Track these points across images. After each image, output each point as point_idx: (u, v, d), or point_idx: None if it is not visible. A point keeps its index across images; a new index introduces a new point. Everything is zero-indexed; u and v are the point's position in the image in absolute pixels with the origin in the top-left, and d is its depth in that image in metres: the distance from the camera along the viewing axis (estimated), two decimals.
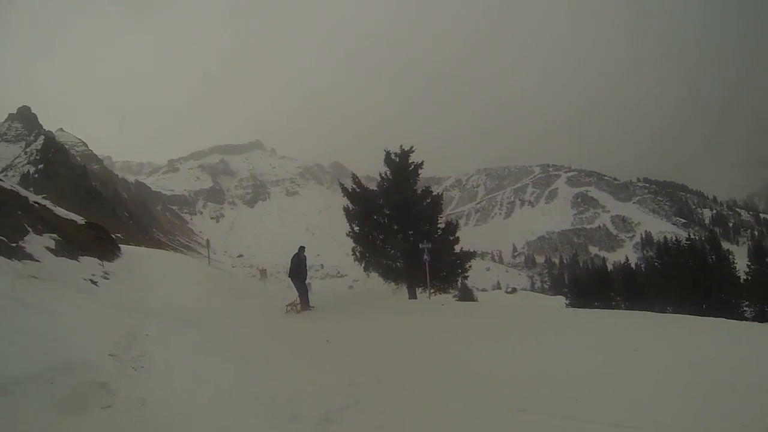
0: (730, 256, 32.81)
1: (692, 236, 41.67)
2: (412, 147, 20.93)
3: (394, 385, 6.02)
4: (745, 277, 32.85)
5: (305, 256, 14.47)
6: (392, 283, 21.08)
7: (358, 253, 20.44)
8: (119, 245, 19.26)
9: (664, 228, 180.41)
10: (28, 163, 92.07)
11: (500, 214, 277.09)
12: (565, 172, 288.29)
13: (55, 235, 13.67)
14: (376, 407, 5.20)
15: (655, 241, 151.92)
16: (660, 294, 31.50)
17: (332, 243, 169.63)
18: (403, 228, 20.06)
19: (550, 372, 6.08)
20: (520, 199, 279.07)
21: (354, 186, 20.80)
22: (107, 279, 12.96)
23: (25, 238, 11.90)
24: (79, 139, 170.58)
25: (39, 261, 10.93)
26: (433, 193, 21.23)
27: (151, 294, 13.05)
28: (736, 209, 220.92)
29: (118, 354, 6.20)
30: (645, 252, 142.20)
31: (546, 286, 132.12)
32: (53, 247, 12.64)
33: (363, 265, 20.53)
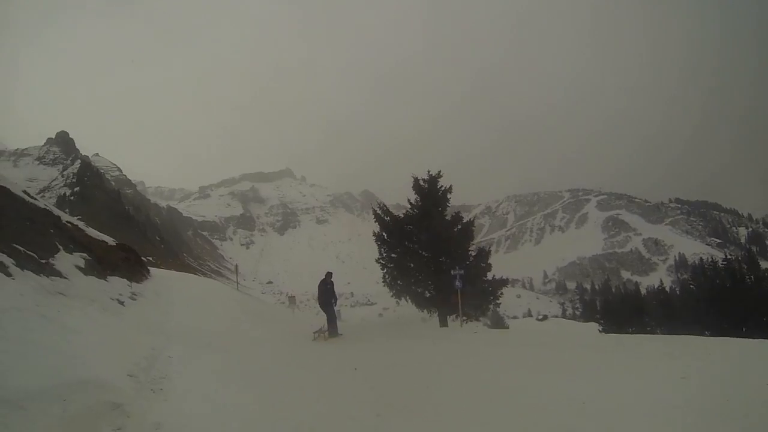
0: None
1: (728, 256, 40.07)
2: (440, 171, 20.79)
3: (425, 418, 5.60)
4: None
5: (332, 282, 14.26)
6: (423, 311, 20.68)
7: (388, 280, 20.12)
8: (149, 267, 19.26)
9: (698, 249, 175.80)
10: (64, 186, 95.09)
11: (530, 240, 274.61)
12: (595, 196, 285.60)
13: (85, 255, 13.61)
14: None
15: (689, 263, 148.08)
16: (696, 318, 30.21)
17: (362, 271, 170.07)
18: (434, 255, 19.75)
19: (592, 402, 5.59)
20: (550, 225, 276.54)
21: (382, 214, 20.58)
22: (134, 300, 12.81)
23: (55, 255, 11.85)
24: (114, 164, 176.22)
25: (67, 278, 10.84)
26: (464, 220, 20.91)
27: (178, 316, 12.84)
28: None
29: (137, 375, 5.97)
30: (679, 275, 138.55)
31: (577, 313, 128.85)
32: (82, 266, 12.56)
33: (393, 293, 20.18)
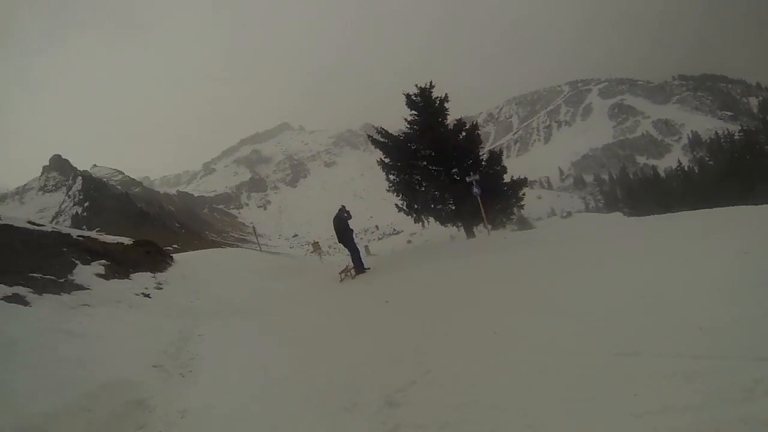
0: None
1: (744, 127, 38.65)
2: (431, 82, 19.95)
3: (467, 344, 5.05)
4: None
5: (347, 214, 13.61)
6: (449, 226, 20.49)
7: (404, 206, 19.88)
8: (171, 255, 19.48)
9: (711, 125, 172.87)
10: (74, 205, 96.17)
11: (539, 140, 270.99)
12: (595, 85, 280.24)
13: (104, 261, 13.74)
14: (448, 376, 4.28)
15: (704, 140, 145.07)
16: (719, 193, 29.16)
17: (382, 202, 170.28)
18: (445, 167, 19.35)
19: (651, 291, 4.88)
20: (555, 121, 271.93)
21: (382, 137, 20.04)
22: (160, 289, 12.98)
23: (73, 271, 11.94)
24: (115, 169, 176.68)
25: (90, 288, 10.94)
26: (467, 125, 20.19)
27: (205, 293, 12.94)
28: None
29: (163, 363, 5.93)
30: (695, 153, 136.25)
31: (600, 205, 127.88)
32: (103, 273, 12.68)
33: (413, 216, 19.96)
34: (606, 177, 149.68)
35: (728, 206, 11.13)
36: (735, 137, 32.05)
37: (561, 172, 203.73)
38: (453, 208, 19.42)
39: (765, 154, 28.45)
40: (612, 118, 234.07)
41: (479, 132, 20.85)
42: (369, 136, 21.05)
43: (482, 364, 4.38)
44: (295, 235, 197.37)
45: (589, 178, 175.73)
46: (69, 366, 5.10)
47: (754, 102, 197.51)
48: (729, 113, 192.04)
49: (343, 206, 13.85)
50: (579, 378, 3.53)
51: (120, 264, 14.31)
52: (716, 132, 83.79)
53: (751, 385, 2.76)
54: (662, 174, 77.47)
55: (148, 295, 11.91)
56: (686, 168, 57.79)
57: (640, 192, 42.45)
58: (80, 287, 10.79)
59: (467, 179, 16.63)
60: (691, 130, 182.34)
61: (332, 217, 13.74)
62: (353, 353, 5.86)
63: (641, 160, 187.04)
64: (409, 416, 3.74)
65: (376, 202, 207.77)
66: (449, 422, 3.48)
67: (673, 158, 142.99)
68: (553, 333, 4.58)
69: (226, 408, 4.71)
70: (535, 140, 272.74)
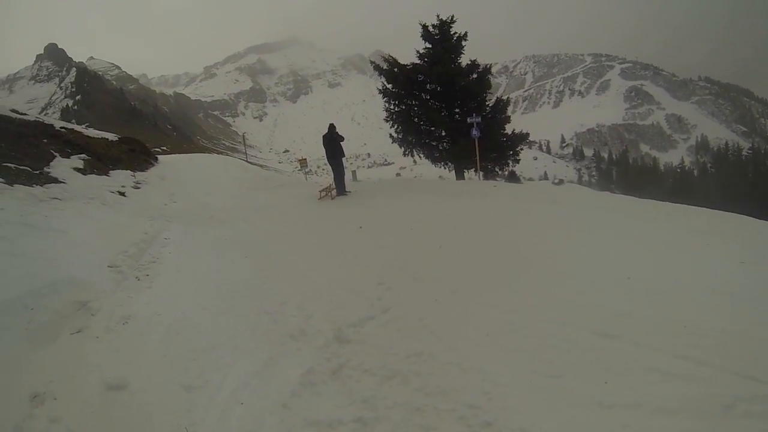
0: None
1: (754, 145, 37.76)
2: (452, 16, 18.82)
3: (436, 287, 4.71)
4: None
5: (338, 134, 13.05)
6: (440, 165, 20.09)
7: (398, 136, 19.40)
8: (157, 156, 19.19)
9: (721, 134, 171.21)
10: (65, 98, 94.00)
11: (548, 103, 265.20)
12: (619, 63, 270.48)
13: (84, 155, 13.48)
14: (408, 318, 4.01)
15: (711, 146, 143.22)
16: (712, 202, 28.74)
17: (378, 131, 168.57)
18: (448, 105, 18.69)
19: (639, 278, 4.47)
20: (569, 89, 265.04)
21: (389, 65, 19.24)
22: (138, 188, 12.79)
23: (50, 163, 11.70)
24: (112, 63, 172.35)
25: (64, 182, 10.76)
26: (480, 68, 19.16)
27: (181, 197, 12.67)
28: None
29: (121, 264, 5.70)
30: (699, 156, 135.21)
31: (593, 180, 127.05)
32: (81, 167, 12.46)
33: (404, 148, 19.50)
34: (605, 155, 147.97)
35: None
36: (743, 152, 31.48)
37: (563, 139, 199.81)
38: (447, 147, 18.97)
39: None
40: (627, 101, 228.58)
41: (491, 77, 20.05)
42: (372, 62, 20.14)
43: (447, 311, 4.13)
44: (286, 151, 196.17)
45: (588, 152, 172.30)
46: (21, 260, 4.87)
47: None
48: (743, 128, 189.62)
49: (332, 125, 13.28)
50: (550, 349, 3.33)
51: (100, 160, 14.05)
52: (726, 142, 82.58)
53: (730, 401, 2.55)
54: (662, 167, 76.99)
55: (123, 194, 11.75)
56: (687, 168, 57.22)
57: (636, 178, 42.21)
58: (55, 180, 10.58)
59: (468, 120, 16.05)
60: (702, 134, 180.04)
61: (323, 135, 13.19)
62: (314, 276, 5.66)
63: (644, 148, 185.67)
64: (356, 357, 3.56)
65: (372, 131, 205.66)
66: (398, 372, 3.30)
67: (677, 155, 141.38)
68: (532, 294, 4.30)
69: (172, 317, 4.54)
70: (544, 102, 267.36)
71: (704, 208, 9.71)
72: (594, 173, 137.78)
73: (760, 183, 28.02)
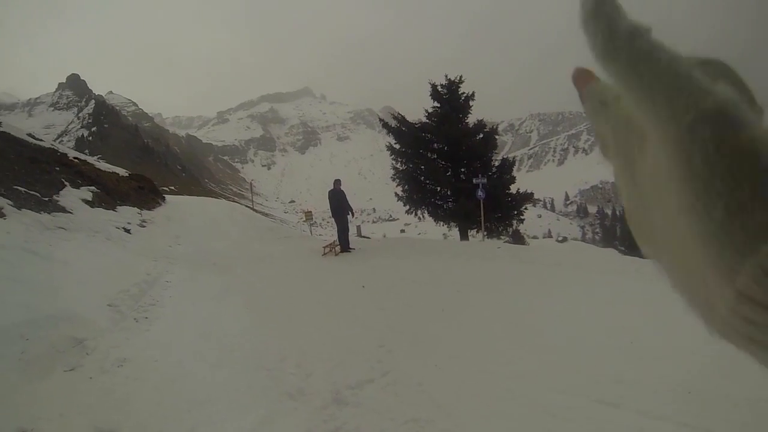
0: None
1: None
2: (460, 77, 19.37)
3: (437, 352, 4.71)
4: None
5: (343, 191, 13.03)
6: (443, 224, 20.11)
7: (404, 194, 19.51)
8: (164, 195, 19.29)
9: None
10: (81, 128, 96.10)
11: (553, 160, 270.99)
12: None
13: (93, 188, 13.58)
14: (407, 383, 3.93)
15: None
16: None
17: (384, 187, 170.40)
18: (454, 165, 18.96)
19: (649, 342, 4.46)
20: (574, 146, 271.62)
21: (398, 123, 19.62)
22: (143, 227, 12.79)
23: (60, 192, 11.79)
24: (129, 100, 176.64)
25: (71, 213, 10.79)
26: (486, 128, 19.59)
27: (186, 240, 12.67)
28: None
29: (120, 304, 5.66)
30: None
31: (597, 237, 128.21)
32: (90, 199, 12.52)
33: (409, 207, 19.55)
34: (609, 212, 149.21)
35: None
36: None
37: (567, 196, 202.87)
38: (452, 206, 19.01)
39: None
40: None
41: (498, 137, 20.35)
42: (381, 120, 20.54)
43: (447, 377, 4.06)
44: (292, 201, 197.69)
45: (592, 209, 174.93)
46: (21, 287, 4.83)
47: None
48: None
49: (339, 180, 13.21)
50: (552, 419, 3.21)
51: (109, 194, 14.14)
52: None
53: None
54: None
55: (128, 231, 11.73)
56: None
57: None
58: (62, 209, 10.62)
59: (474, 181, 16.23)
60: None
61: (336, 196, 13.05)
62: (315, 334, 5.56)
63: None
64: (353, 420, 3.42)
65: (378, 186, 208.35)
66: None
67: None
68: (533, 360, 4.26)
69: (169, 364, 4.44)
70: (549, 160, 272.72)
71: None
72: (598, 230, 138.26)
73: None
